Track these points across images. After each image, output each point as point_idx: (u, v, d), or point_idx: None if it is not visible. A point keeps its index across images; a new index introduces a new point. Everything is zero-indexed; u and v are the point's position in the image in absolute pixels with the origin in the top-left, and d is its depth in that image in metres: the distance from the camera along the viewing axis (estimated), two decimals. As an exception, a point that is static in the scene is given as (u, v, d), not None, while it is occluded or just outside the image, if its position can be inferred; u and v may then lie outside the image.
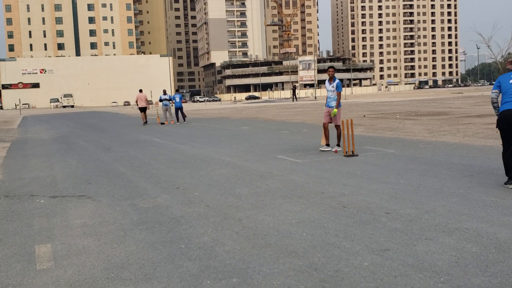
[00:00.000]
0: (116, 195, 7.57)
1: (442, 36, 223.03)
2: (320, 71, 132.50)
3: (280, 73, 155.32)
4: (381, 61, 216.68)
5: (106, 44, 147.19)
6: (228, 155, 11.64)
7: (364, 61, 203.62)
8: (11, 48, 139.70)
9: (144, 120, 27.57)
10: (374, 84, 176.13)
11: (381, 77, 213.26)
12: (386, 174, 8.09)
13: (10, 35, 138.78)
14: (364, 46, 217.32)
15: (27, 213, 6.67)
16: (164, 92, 27.51)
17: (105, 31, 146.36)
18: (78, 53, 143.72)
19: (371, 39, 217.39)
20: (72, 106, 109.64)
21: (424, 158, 9.68)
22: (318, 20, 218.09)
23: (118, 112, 54.60)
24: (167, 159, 11.51)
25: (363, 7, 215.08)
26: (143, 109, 27.73)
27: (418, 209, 5.73)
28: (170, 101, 27.27)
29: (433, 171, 8.15)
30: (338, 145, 11.57)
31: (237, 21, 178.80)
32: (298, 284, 3.74)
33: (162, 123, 26.53)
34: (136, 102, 28.16)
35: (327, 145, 11.69)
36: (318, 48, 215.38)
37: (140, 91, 28.87)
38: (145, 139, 17.74)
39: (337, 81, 11.53)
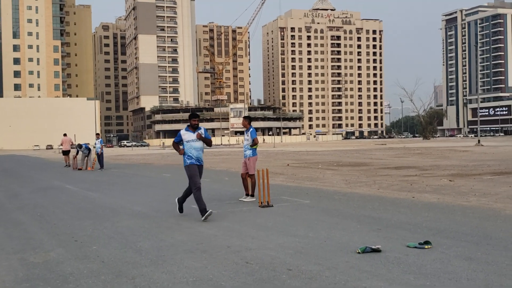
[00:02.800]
0: (7, 247, 6.97)
1: (368, 89, 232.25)
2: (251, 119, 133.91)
3: (211, 120, 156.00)
4: (310, 111, 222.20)
5: (31, 85, 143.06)
6: (141, 205, 11.18)
7: (294, 110, 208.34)
8: None
9: (67, 163, 28.42)
10: (303, 133, 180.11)
11: (310, 126, 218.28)
12: (296, 227, 7.94)
13: None
14: (294, 96, 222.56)
15: None
16: (97, 136, 26.84)
17: (31, 72, 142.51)
18: (1, 95, 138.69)
19: (301, 89, 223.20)
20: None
21: (336, 210, 9.64)
22: (250, 69, 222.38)
23: (39, 156, 52.52)
24: (74, 208, 10.90)
25: (293, 59, 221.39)
26: (66, 152, 28.97)
27: (320, 265, 5.55)
28: (93, 147, 26.67)
29: (343, 223, 8.08)
30: (252, 195, 11.41)
31: (168, 66, 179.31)
32: None
33: (79, 169, 25.57)
34: (61, 145, 29.27)
35: (247, 195, 11.51)
36: (250, 96, 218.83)
37: (65, 135, 29.72)
38: (58, 185, 16.92)
39: (251, 129, 11.50)
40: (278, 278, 5.13)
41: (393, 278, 5.01)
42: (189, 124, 9.14)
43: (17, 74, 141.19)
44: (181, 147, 9.18)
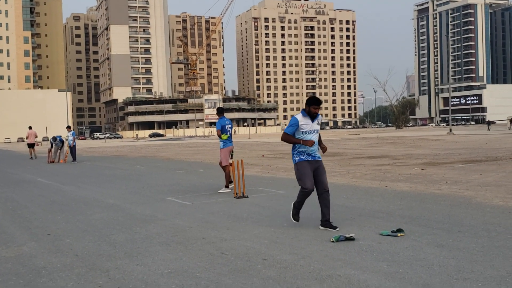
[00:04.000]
0: (-23, 243, 6.85)
1: (342, 80, 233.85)
2: (225, 110, 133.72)
3: (186, 111, 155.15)
4: (284, 102, 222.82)
5: (1, 77, 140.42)
6: (114, 197, 11.09)
7: (268, 101, 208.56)
8: None
9: (31, 156, 29.05)
10: (278, 124, 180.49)
11: (285, 117, 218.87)
12: (271, 217, 7.97)
13: None
14: (268, 87, 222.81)
15: None
16: (69, 129, 26.25)
17: (0, 64, 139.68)
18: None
19: (275, 80, 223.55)
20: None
21: (310, 200, 9.66)
22: (224, 59, 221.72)
23: (9, 149, 51.59)
24: (46, 202, 10.75)
25: (267, 49, 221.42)
26: (31, 145, 29.55)
27: (295, 255, 5.59)
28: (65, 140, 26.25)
29: (317, 213, 8.12)
30: (226, 186, 11.43)
31: (141, 57, 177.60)
32: None
33: (52, 162, 25.22)
34: (26, 138, 29.56)
35: (226, 186, 11.51)
36: (224, 87, 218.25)
37: (30, 128, 30.01)
38: (30, 179, 16.66)
39: (218, 120, 11.51)
40: (253, 268, 5.15)
41: (366, 266, 5.07)
42: (305, 109, 7.13)
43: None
44: (302, 136, 7.06)
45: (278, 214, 8.18)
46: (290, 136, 7.11)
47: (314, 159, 7.14)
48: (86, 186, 13.79)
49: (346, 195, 10.18)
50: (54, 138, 25.97)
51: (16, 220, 8.59)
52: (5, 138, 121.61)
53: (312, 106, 6.99)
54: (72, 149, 25.29)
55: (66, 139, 26.17)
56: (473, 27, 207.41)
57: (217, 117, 11.66)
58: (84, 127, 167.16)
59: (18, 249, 6.42)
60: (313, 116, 7.06)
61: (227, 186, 11.48)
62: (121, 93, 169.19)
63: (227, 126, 11.45)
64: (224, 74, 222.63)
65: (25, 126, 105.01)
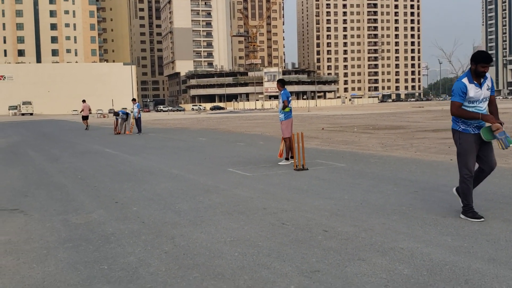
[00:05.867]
0: (50, 209, 7.21)
1: (405, 51, 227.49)
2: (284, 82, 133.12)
3: (245, 84, 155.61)
4: (345, 74, 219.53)
5: (68, 51, 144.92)
6: (178, 168, 11.36)
7: (329, 73, 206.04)
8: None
9: (86, 126, 31.90)
10: (338, 97, 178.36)
11: (345, 90, 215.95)
12: (332, 189, 7.96)
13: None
14: (329, 59, 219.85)
15: (-50, 228, 6.26)
16: (134, 101, 27.04)
17: (67, 38, 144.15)
18: (39, 60, 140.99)
19: (336, 52, 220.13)
20: (31, 114, 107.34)
21: (372, 173, 9.60)
22: (284, 32, 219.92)
23: (77, 121, 53.50)
24: (113, 171, 11.15)
25: (328, 20, 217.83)
26: (85, 117, 32.26)
27: (356, 227, 5.58)
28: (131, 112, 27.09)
29: (379, 186, 8.06)
30: (287, 158, 11.46)
31: (202, 31, 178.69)
32: (216, 311, 3.51)
33: (118, 133, 26.03)
34: (82, 111, 32.44)
35: (286, 159, 11.55)
36: (284, 60, 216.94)
37: (84, 101, 33.00)
38: (97, 149, 17.28)
39: (283, 92, 11.46)
40: (314, 239, 5.18)
41: (430, 240, 5.00)
42: (471, 71, 5.64)
43: (54, 39, 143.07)
44: (469, 109, 5.64)
45: (338, 187, 8.15)
46: (465, 110, 5.62)
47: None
48: (151, 156, 14.18)
49: (409, 168, 10.00)
50: (117, 113, 26.76)
51: (85, 188, 8.96)
52: (73, 110, 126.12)
53: (480, 64, 5.48)
54: (137, 121, 26.00)
55: (131, 112, 26.94)
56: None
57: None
58: (148, 100, 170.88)
59: (87, 216, 6.72)
60: (481, 78, 5.60)
61: (287, 159, 11.52)
62: (183, 67, 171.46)
63: (290, 98, 11.47)
64: (284, 47, 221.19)
65: (91, 99, 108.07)
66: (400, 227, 5.54)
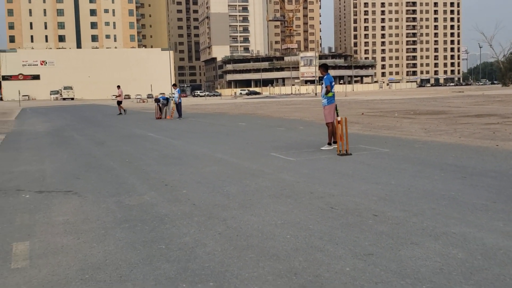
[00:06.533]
0: (103, 191, 7.45)
1: (445, 34, 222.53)
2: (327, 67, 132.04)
3: (281, 69, 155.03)
4: (383, 58, 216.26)
5: (107, 37, 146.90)
6: (221, 152, 11.52)
7: (366, 58, 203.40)
8: (11, 39, 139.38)
9: (120, 111, 32.62)
10: (376, 82, 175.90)
11: (383, 74, 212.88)
12: (377, 175, 7.97)
13: (11, 26, 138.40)
14: (366, 43, 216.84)
15: (10, 208, 6.55)
16: (175, 86, 27.44)
17: (107, 23, 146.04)
18: (79, 46, 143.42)
19: (373, 36, 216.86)
20: (72, 99, 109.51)
21: (417, 158, 9.55)
22: (320, 16, 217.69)
23: (116, 106, 54.41)
24: (159, 155, 11.39)
25: (365, 4, 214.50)
26: (119, 102, 33.38)
27: (406, 212, 5.61)
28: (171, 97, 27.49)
29: (426, 172, 8.03)
30: (329, 143, 11.47)
31: (239, 16, 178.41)
32: (275, 290, 3.62)
33: (159, 118, 26.42)
34: (116, 96, 33.91)
35: (328, 144, 11.57)
36: (320, 44, 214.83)
37: (118, 87, 34.04)
38: (140, 133, 17.62)
39: (325, 76, 11.43)
40: (365, 223, 5.24)
41: (481, 225, 5.00)
42: None
43: (93, 25, 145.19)
44: None
45: (384, 172, 8.15)
46: None
47: None
48: (193, 141, 14.39)
49: (455, 154, 9.91)
50: (157, 100, 27.17)
51: (134, 171, 9.19)
52: (112, 95, 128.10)
53: None
54: (178, 105, 26.32)
55: (172, 97, 27.28)
56: None
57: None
58: (185, 85, 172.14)
59: (140, 198, 6.92)
60: None
61: (329, 144, 11.53)
62: (220, 52, 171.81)
63: (333, 83, 11.46)
64: (320, 31, 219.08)
65: (130, 84, 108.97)
66: (450, 212, 5.54)
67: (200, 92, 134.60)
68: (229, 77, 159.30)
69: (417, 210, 5.67)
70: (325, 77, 11.47)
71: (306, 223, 5.35)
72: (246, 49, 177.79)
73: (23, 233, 5.37)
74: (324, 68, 11.68)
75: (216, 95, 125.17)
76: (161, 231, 5.25)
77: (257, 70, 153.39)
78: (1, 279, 4.06)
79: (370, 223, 5.24)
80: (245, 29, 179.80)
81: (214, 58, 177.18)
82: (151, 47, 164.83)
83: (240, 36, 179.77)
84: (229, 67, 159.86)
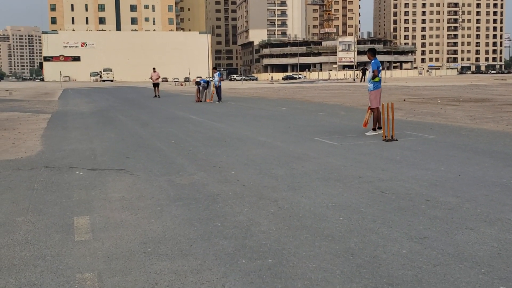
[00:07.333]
0: (153, 170, 7.63)
1: (487, 21, 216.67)
2: (360, 52, 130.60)
3: (319, 54, 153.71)
4: (423, 44, 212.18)
5: (147, 19, 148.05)
6: (264, 135, 11.60)
7: (405, 43, 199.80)
8: (53, 20, 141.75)
9: (155, 94, 33.05)
10: (415, 68, 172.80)
11: (423, 60, 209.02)
12: (426, 161, 7.92)
13: (53, 8, 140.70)
14: (406, 29, 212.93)
15: (67, 184, 6.79)
16: (215, 70, 27.85)
17: (146, 6, 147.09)
18: (118, 28, 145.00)
19: (414, 21, 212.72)
20: (112, 81, 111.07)
21: (465, 145, 9.45)
22: (360, 0, 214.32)
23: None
24: (204, 137, 11.54)
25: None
26: (156, 85, 33.49)
27: (459, 198, 5.59)
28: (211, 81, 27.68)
29: (475, 159, 7.95)
30: (374, 129, 11.42)
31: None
32: (334, 269, 3.69)
33: (199, 101, 26.65)
34: (151, 78, 33.74)
35: (373, 129, 11.52)
36: (359, 29, 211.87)
37: (154, 69, 34.05)
38: (182, 115, 17.84)
39: (373, 61, 11.36)
40: (417, 208, 5.25)
41: (538, 213, 4.96)
42: None
43: (133, 8, 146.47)
44: None
45: (432, 159, 8.09)
46: None
47: None
48: (235, 124, 14.51)
49: (504, 142, 9.76)
50: (198, 82, 27.40)
51: (181, 152, 9.36)
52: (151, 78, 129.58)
53: None
54: (218, 89, 26.48)
55: (212, 80, 27.45)
56: None
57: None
58: (222, 69, 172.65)
59: (190, 177, 7.07)
60: None
61: (374, 129, 11.48)
62: (257, 36, 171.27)
63: (380, 68, 11.38)
64: (359, 15, 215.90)
65: (168, 67, 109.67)
66: (504, 198, 5.50)
67: (236, 76, 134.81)
68: (266, 61, 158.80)
69: (469, 196, 5.65)
70: (372, 61, 11.40)
71: (357, 206, 5.39)
72: (284, 33, 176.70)
73: (82, 208, 5.58)
74: (372, 52, 11.60)
75: (253, 79, 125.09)
76: (215, 210, 5.38)
77: (294, 55, 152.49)
78: (67, 250, 4.25)
79: (422, 208, 5.25)
80: (283, 13, 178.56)
81: (251, 42, 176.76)
82: (189, 30, 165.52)
83: (277, 20, 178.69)
84: (266, 51, 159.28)
